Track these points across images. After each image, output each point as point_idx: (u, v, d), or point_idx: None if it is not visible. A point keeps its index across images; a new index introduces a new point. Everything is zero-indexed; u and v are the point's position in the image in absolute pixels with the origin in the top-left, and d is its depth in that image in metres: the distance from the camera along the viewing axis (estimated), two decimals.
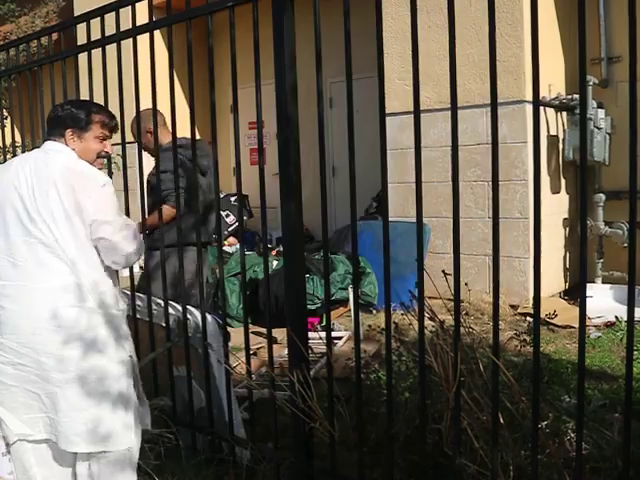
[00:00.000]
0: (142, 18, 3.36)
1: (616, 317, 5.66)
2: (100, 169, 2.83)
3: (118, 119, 3.09)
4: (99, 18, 3.49)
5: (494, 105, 2.28)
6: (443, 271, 2.67)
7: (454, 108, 2.34)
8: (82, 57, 3.69)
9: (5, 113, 6.15)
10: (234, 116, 2.93)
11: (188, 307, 3.35)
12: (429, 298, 2.64)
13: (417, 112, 2.43)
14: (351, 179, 2.56)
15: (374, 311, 6.55)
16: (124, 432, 2.67)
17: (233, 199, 9.54)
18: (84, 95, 3.47)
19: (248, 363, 3.12)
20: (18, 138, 4.97)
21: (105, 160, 2.99)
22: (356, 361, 2.68)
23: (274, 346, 3.14)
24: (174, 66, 3.25)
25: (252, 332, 3.23)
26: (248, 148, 9.86)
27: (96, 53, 3.56)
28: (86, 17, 3.60)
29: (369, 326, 3.94)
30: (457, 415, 2.36)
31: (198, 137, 3.35)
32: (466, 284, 2.80)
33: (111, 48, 3.46)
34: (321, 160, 2.64)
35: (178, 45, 3.22)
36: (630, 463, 2.14)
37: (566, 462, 2.53)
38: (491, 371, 2.33)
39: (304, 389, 2.68)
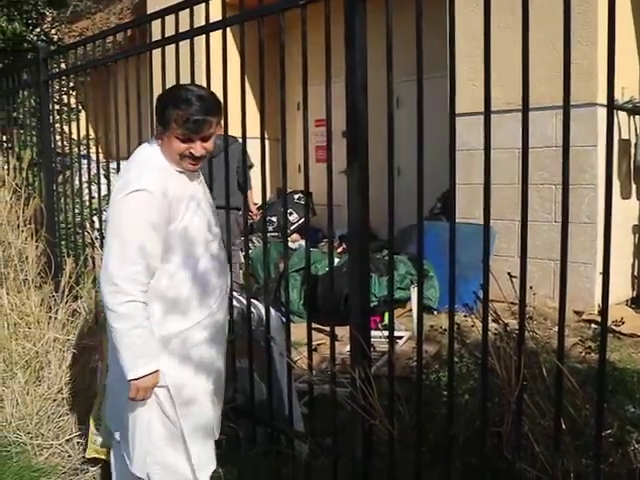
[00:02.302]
0: (215, 16, 3.43)
1: None
2: (192, 171, 2.58)
3: None
4: (173, 15, 3.58)
5: (567, 108, 2.25)
6: (509, 273, 2.65)
7: (525, 110, 2.32)
8: (156, 53, 3.78)
9: (80, 107, 6.33)
10: (303, 113, 2.97)
11: (252, 301, 3.40)
12: (492, 301, 2.62)
13: (488, 113, 2.41)
14: (419, 179, 2.56)
15: (435, 312, 6.53)
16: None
17: (296, 197, 9.61)
18: (156, 92, 3.57)
19: (310, 358, 3.15)
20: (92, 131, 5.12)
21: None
22: (417, 360, 2.68)
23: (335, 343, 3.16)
24: (244, 64, 3.30)
25: (313, 328, 3.27)
26: (314, 146, 9.90)
27: (170, 50, 3.65)
28: (161, 14, 3.70)
29: (431, 326, 3.93)
30: (518, 419, 2.34)
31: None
32: (530, 288, 2.78)
33: (185, 45, 3.54)
34: (389, 159, 2.65)
35: (249, 43, 3.27)
36: None
37: (629, 474, 2.49)
38: (554, 376, 2.31)
39: (365, 386, 2.69)
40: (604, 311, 2.18)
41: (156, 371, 2.46)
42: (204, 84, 3.40)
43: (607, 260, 2.17)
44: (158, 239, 2.43)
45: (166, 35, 3.69)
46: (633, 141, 6.54)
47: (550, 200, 6.28)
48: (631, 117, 6.49)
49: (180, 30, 3.59)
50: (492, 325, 2.80)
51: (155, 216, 2.40)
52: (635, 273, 6.75)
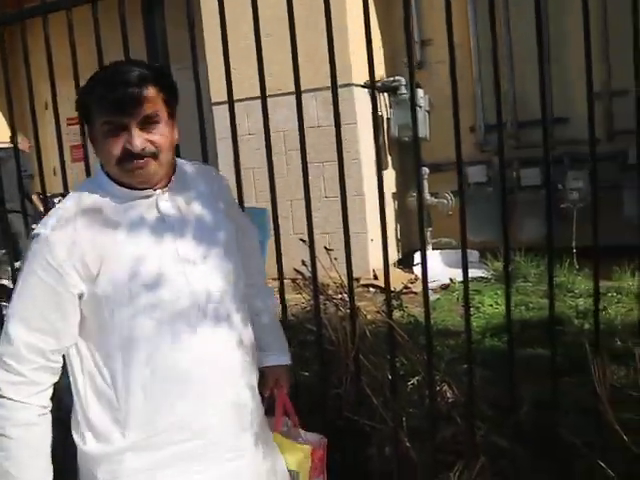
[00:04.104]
0: None
1: (450, 279, 6.16)
2: (142, 177, 1.62)
3: None
4: None
5: (334, 90, 2.50)
6: (325, 247, 2.87)
7: (298, 95, 2.53)
8: None
9: None
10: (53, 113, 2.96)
11: None
12: (274, 279, 2.80)
13: (264, 101, 2.62)
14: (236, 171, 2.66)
15: None
16: None
17: (57, 200, 9.18)
18: None
19: None
20: None
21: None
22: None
23: None
24: None
25: None
26: (68, 145, 9.48)
27: None
28: None
29: None
30: (357, 375, 2.56)
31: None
32: (336, 259, 3.05)
33: None
34: (203, 152, 2.73)
35: None
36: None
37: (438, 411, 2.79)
38: (385, 333, 2.56)
39: None
40: (424, 275, 2.46)
41: None
42: None
43: (384, 228, 2.50)
44: (52, 305, 1.57)
45: None
46: (385, 116, 7.12)
47: (319, 177, 6.61)
48: (381, 94, 7.05)
49: None
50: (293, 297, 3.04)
51: (46, 273, 1.56)
52: (398, 236, 7.38)
